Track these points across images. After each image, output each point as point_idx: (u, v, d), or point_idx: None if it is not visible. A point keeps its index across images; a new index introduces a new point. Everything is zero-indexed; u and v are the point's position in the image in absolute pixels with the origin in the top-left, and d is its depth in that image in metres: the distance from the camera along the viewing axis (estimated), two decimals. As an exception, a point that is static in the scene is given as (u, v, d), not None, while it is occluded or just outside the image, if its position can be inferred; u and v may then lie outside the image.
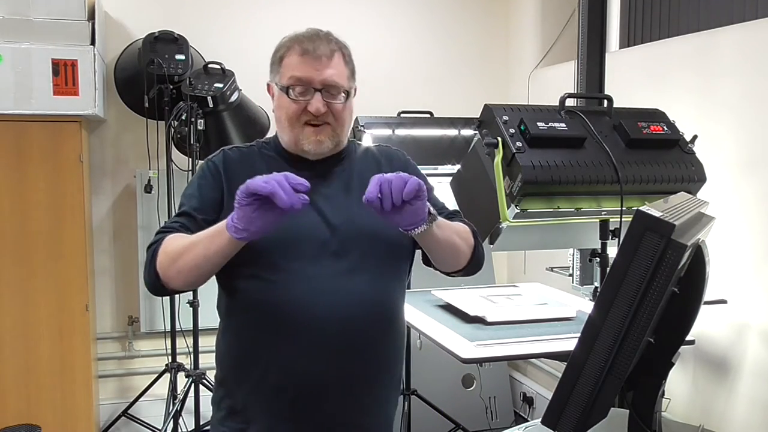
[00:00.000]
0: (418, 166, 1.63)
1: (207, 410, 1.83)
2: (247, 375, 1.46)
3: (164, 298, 3.24)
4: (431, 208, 1.37)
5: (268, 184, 1.21)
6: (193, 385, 3.12)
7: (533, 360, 3.80)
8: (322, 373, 1.43)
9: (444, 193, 2.47)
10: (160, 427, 3.17)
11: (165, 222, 1.50)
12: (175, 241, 1.39)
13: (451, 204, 1.91)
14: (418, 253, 1.55)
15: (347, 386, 1.46)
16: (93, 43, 3.03)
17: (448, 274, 1.58)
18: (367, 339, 1.46)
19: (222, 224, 1.31)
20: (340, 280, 1.43)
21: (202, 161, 1.54)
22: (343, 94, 1.49)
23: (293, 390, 1.43)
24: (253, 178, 1.24)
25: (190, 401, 3.14)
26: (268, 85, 1.56)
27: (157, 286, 1.40)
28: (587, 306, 2.22)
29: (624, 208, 1.92)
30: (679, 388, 2.72)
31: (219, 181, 1.48)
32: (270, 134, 1.79)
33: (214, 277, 1.44)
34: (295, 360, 1.42)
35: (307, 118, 1.47)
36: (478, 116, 2.02)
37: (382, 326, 1.49)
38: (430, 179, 1.44)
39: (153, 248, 1.42)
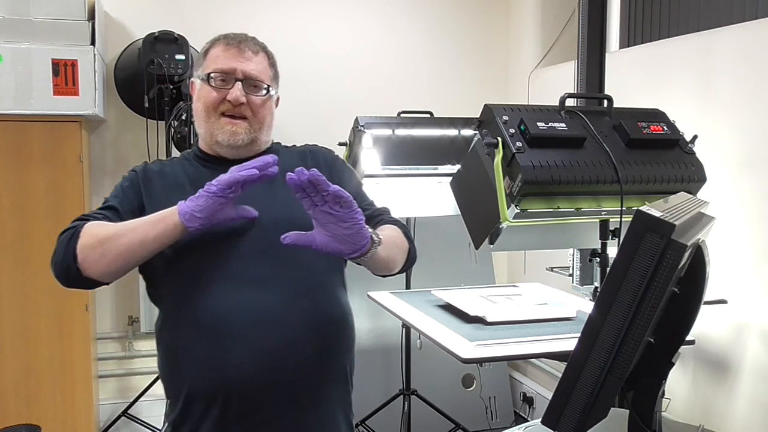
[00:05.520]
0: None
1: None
2: (180, 385, 1.42)
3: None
4: (373, 233, 1.33)
5: (248, 171, 1.27)
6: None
7: (533, 360, 3.80)
8: (252, 376, 1.38)
9: (444, 193, 2.48)
10: (160, 427, 3.17)
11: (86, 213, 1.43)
12: (101, 226, 1.35)
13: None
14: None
15: (280, 387, 1.41)
16: (93, 43, 3.03)
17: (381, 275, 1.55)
18: (299, 337, 1.41)
19: (167, 211, 1.31)
20: (267, 280, 1.39)
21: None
22: (264, 90, 1.47)
23: (224, 398, 1.38)
24: (205, 183, 1.29)
25: (190, 401, 3.13)
26: (191, 82, 1.52)
27: (72, 269, 1.32)
28: (587, 306, 2.22)
29: (624, 208, 1.92)
30: (679, 388, 2.72)
31: (139, 191, 1.47)
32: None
33: None
34: (225, 366, 1.38)
35: (225, 108, 1.45)
36: (478, 116, 2.02)
37: (316, 322, 1.44)
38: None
39: (72, 230, 1.35)
